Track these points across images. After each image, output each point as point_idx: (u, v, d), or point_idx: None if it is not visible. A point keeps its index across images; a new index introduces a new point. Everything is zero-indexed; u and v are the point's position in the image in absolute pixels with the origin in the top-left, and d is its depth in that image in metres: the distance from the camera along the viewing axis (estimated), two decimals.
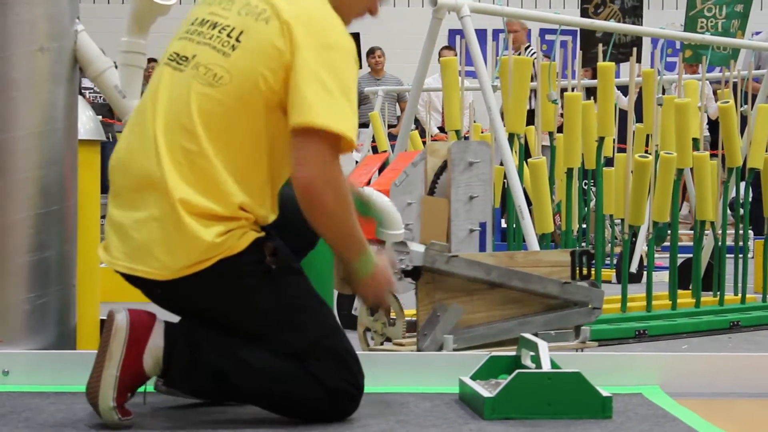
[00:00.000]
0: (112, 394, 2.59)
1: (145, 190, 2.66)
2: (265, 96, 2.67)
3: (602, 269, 4.97)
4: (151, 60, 11.23)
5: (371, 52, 13.28)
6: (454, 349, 3.67)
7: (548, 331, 3.81)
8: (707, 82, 5.71)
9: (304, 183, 2.63)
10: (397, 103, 12.95)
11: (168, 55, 2.81)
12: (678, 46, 8.07)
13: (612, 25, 6.04)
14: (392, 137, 7.91)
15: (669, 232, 5.55)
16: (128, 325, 2.61)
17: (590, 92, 6.81)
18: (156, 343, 2.63)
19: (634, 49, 5.22)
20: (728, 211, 5.57)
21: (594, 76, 9.81)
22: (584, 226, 6.96)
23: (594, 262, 4.51)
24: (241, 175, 2.67)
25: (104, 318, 3.82)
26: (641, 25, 9.24)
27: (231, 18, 2.76)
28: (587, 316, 3.92)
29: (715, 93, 8.48)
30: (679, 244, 5.20)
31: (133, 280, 2.73)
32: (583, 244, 6.74)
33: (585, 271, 3.94)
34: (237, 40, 2.71)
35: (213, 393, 2.76)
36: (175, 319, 2.78)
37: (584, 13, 10.22)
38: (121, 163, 2.76)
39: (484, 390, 2.90)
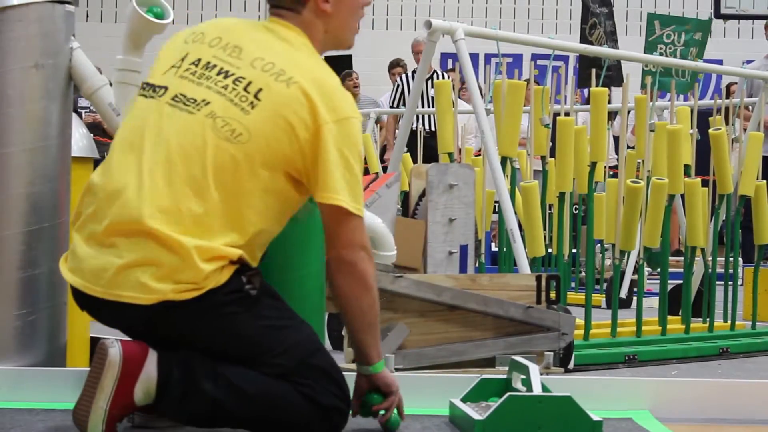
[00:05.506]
0: (101, 426, 2.60)
1: (134, 235, 2.62)
2: (280, 161, 2.68)
3: (592, 294, 4.96)
4: None
5: (348, 75, 13.07)
6: (400, 369, 3.64)
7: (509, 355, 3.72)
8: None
9: (345, 256, 2.71)
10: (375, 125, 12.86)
11: (171, 94, 2.72)
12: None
13: (606, 51, 6.06)
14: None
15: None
16: (121, 361, 2.59)
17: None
18: (149, 374, 2.62)
19: (628, 75, 5.24)
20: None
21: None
22: (574, 251, 6.96)
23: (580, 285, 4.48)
24: (238, 225, 2.66)
25: (94, 336, 3.84)
26: (618, 49, 9.27)
27: (244, 69, 2.72)
28: (555, 341, 3.86)
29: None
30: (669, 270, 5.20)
31: (107, 311, 2.69)
32: (573, 268, 6.73)
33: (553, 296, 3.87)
34: (256, 97, 2.68)
35: (206, 421, 2.73)
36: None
37: (583, 33, 10.24)
38: (106, 197, 2.68)
39: (475, 412, 2.89)
